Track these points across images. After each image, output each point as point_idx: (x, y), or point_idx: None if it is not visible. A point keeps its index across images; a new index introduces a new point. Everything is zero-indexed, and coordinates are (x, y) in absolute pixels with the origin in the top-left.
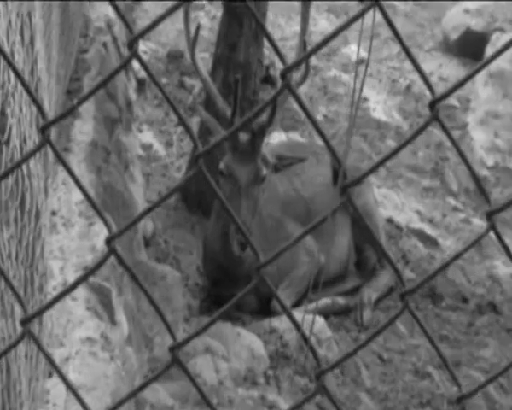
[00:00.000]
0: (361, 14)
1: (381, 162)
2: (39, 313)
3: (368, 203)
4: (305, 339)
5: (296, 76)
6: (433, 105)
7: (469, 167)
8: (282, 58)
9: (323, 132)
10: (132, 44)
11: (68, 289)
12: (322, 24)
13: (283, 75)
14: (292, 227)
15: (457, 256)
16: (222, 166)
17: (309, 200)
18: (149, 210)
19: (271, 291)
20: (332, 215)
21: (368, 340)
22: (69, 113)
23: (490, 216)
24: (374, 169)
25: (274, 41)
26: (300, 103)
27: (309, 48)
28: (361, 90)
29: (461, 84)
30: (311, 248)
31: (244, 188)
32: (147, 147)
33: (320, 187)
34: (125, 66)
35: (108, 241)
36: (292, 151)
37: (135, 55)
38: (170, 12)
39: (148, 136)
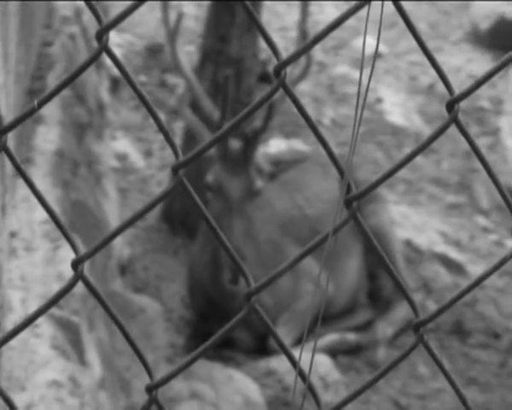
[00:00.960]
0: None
1: (392, 172)
2: None
3: (382, 223)
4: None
5: (295, 72)
6: (451, 105)
7: (494, 179)
8: (275, 51)
9: (322, 136)
10: (101, 36)
11: (26, 322)
12: (328, 11)
13: (277, 72)
14: (293, 252)
15: (480, 281)
16: (209, 178)
17: (314, 219)
18: (122, 229)
19: (266, 325)
20: (340, 237)
21: (375, 378)
22: (28, 116)
23: None
24: (382, 180)
25: (263, 28)
26: (296, 103)
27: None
28: (367, 89)
29: (484, 80)
30: (315, 275)
31: (236, 204)
32: (122, 157)
33: (327, 204)
34: (93, 61)
35: (75, 264)
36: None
37: (104, 48)
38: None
39: (123, 144)
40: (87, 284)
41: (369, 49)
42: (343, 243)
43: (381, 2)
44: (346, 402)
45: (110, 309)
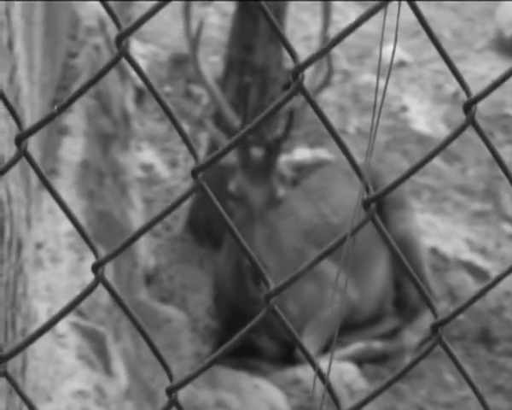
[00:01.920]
0: (384, 4)
1: (410, 174)
2: (17, 351)
3: (409, 230)
4: (327, 387)
5: (318, 79)
6: (468, 107)
7: None
8: (292, 54)
9: (343, 142)
10: (121, 41)
11: (47, 325)
12: (353, 18)
13: (295, 75)
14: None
15: (498, 280)
16: (232, 187)
17: (339, 228)
18: (142, 232)
19: (290, 332)
20: (366, 244)
21: (390, 381)
22: (48, 121)
23: None
24: (400, 182)
25: (279, 30)
26: (313, 106)
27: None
28: (384, 94)
29: (502, 81)
30: (340, 283)
31: (258, 212)
32: (147, 168)
33: (352, 212)
34: (111, 66)
35: (95, 267)
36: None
37: (124, 53)
38: (164, 2)
39: (148, 155)
40: (107, 286)
41: (394, 58)
42: (369, 250)
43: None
44: (365, 402)
45: (130, 312)
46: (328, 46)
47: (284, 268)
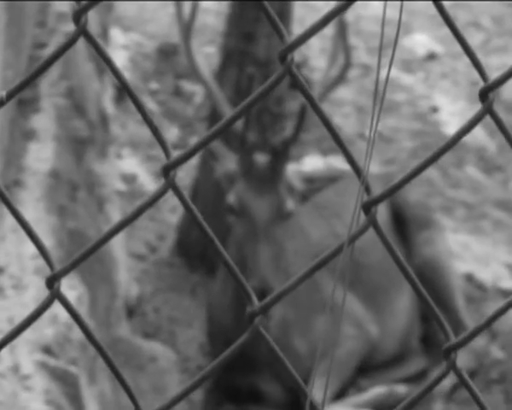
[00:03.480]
0: None
1: (418, 171)
2: None
3: (438, 254)
4: None
5: (332, 72)
6: (485, 94)
7: None
8: (279, 33)
9: (343, 142)
10: (79, 17)
11: None
12: (374, 6)
13: (283, 57)
14: (331, 289)
15: None
16: (231, 199)
17: (357, 250)
18: (104, 241)
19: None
20: (387, 270)
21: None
22: None
23: None
24: (407, 181)
25: (270, 11)
26: (308, 97)
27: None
28: (385, 89)
29: None
30: (358, 316)
31: (263, 228)
32: (129, 179)
33: (372, 232)
34: (68, 46)
35: (50, 281)
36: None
37: (83, 31)
38: None
39: (130, 163)
40: (65, 303)
41: (423, 50)
42: (391, 277)
43: None
44: None
45: (93, 337)
46: (321, 22)
47: (292, 297)
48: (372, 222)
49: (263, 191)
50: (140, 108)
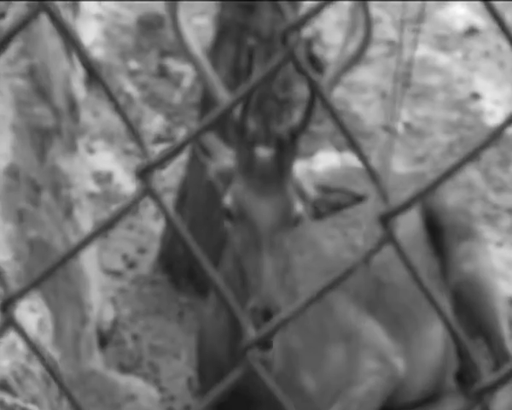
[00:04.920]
0: None
1: (450, 175)
2: None
3: (480, 271)
4: None
5: (350, 48)
6: None
7: None
8: (280, 8)
9: (354, 139)
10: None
11: None
12: None
13: (284, 36)
14: (347, 312)
15: None
16: (228, 201)
17: (379, 267)
18: (69, 256)
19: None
20: (417, 295)
21: None
22: None
23: None
24: (430, 189)
25: None
26: (310, 79)
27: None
28: (410, 70)
29: None
30: (381, 346)
31: (266, 237)
32: (103, 178)
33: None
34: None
35: (4, 305)
36: (348, 183)
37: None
38: None
39: (105, 159)
40: (20, 331)
41: (461, 24)
42: (420, 298)
43: None
44: None
45: (57, 374)
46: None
47: (300, 321)
48: (390, 235)
49: (266, 192)
50: (109, 93)
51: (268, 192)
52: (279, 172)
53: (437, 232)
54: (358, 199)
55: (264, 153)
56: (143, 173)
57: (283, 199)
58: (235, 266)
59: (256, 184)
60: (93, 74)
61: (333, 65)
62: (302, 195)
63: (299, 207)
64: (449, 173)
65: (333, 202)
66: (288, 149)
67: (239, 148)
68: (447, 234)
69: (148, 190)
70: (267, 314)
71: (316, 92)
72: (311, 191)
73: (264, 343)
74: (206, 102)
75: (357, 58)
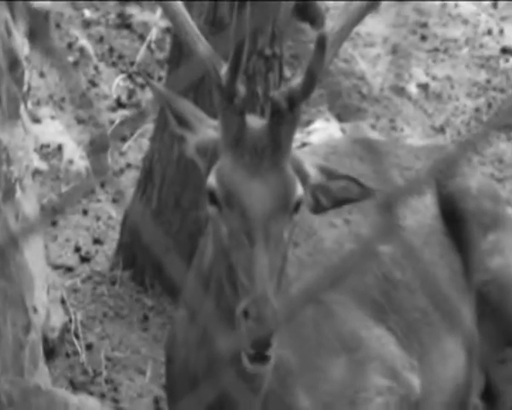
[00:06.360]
0: None
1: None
2: None
3: (508, 267)
4: None
5: None
6: None
7: None
8: None
9: None
10: None
11: None
12: None
13: None
14: (351, 317)
15: None
16: (212, 182)
17: (390, 262)
18: (14, 244)
19: None
20: (435, 300)
21: None
22: None
23: None
24: (451, 163)
25: None
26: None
27: None
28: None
29: None
30: (393, 361)
31: (260, 225)
32: (51, 152)
33: (412, 236)
34: None
35: None
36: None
37: None
38: None
39: (53, 129)
40: None
41: None
42: (439, 303)
43: None
44: None
45: None
46: None
47: (293, 333)
48: (390, 225)
49: (260, 171)
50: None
51: (262, 171)
52: (275, 146)
53: (458, 222)
54: (368, 193)
55: (256, 123)
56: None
57: (280, 179)
58: (221, 261)
59: (247, 161)
60: (37, 25)
61: (340, 14)
62: (303, 177)
63: (299, 189)
64: (472, 146)
65: (338, 195)
66: (285, 118)
67: (225, 116)
68: (470, 223)
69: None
70: (261, 319)
71: (321, 48)
72: (314, 174)
73: (262, 355)
74: (178, 58)
75: (371, 6)
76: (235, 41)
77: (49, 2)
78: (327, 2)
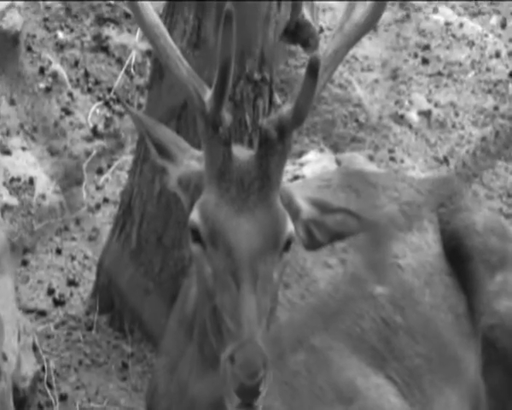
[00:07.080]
0: None
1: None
2: None
3: None
4: None
5: (355, 15)
6: None
7: None
8: None
9: None
10: None
11: None
12: None
13: None
14: (347, 365)
15: None
16: (196, 218)
17: (390, 306)
18: None
19: None
20: (436, 344)
21: None
22: None
23: None
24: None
25: None
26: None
27: None
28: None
29: None
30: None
31: (248, 265)
32: (22, 186)
33: (414, 276)
34: None
35: None
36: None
37: None
38: None
39: (24, 161)
40: None
41: None
42: (443, 350)
43: None
44: None
45: None
46: None
47: (286, 381)
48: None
49: (247, 205)
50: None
51: (249, 206)
52: (264, 179)
53: (463, 261)
54: (367, 226)
55: (244, 154)
56: None
57: (269, 215)
58: (206, 303)
59: (233, 196)
60: (6, 48)
61: (334, 35)
62: (294, 212)
63: (290, 226)
64: (478, 177)
65: (333, 228)
66: (275, 149)
67: (210, 147)
68: (476, 262)
69: None
70: (248, 365)
71: (314, 72)
72: (306, 208)
73: (248, 405)
74: (159, 84)
75: (369, 25)
76: (221, 64)
77: (19, 21)
78: (321, 22)
